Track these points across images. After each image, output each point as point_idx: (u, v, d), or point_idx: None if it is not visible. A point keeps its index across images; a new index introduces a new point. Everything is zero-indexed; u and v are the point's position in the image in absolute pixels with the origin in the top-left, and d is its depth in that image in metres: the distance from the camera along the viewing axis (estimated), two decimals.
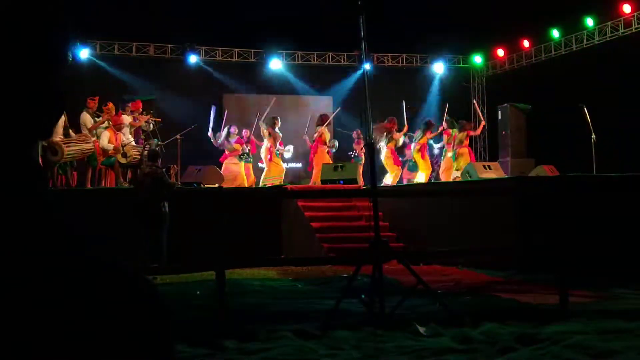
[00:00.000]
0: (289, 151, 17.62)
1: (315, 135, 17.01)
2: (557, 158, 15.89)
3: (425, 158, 16.72)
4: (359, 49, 7.25)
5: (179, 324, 6.22)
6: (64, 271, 1.01)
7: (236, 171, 16.30)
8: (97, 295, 1.01)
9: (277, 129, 16.89)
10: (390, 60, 22.15)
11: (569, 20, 19.19)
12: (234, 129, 16.71)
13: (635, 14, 17.51)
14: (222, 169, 16.17)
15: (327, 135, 17.33)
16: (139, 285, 1.06)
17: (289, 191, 13.67)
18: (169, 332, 1.10)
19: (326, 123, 17.25)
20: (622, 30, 17.95)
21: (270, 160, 16.62)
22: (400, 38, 20.91)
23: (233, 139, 16.54)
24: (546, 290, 8.05)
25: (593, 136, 14.07)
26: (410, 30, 20.44)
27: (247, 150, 16.83)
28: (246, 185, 16.16)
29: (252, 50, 21.11)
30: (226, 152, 16.56)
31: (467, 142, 16.83)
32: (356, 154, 17.92)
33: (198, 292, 8.83)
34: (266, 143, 16.76)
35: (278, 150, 16.94)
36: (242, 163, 16.51)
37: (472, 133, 17.12)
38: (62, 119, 13.45)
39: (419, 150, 16.61)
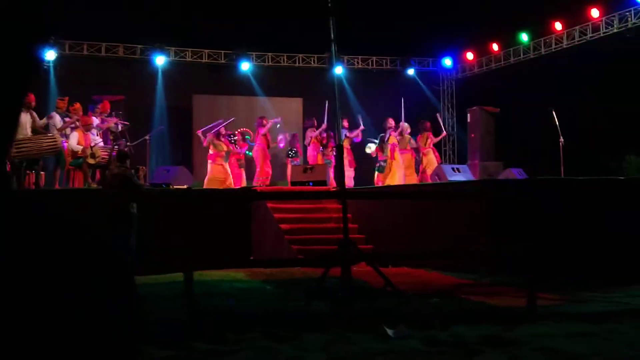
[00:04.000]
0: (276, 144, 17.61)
1: (313, 137, 17.09)
2: (526, 161, 16.03)
3: (396, 157, 16.82)
4: (329, 51, 7.24)
5: (147, 326, 6.15)
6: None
7: (224, 173, 16.22)
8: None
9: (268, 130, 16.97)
10: (360, 62, 22.19)
11: (537, 24, 19.38)
12: (223, 129, 16.67)
13: (604, 18, 17.72)
14: (210, 170, 16.17)
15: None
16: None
17: (258, 193, 13.64)
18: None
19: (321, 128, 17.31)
20: (591, 35, 18.16)
21: (264, 160, 16.61)
22: (370, 40, 20.96)
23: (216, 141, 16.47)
24: (515, 293, 8.10)
25: (561, 140, 14.21)
26: (380, 33, 20.50)
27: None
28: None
29: (222, 51, 21.03)
30: (213, 152, 16.44)
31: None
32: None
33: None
34: (257, 143, 16.74)
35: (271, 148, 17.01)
36: (227, 164, 16.46)
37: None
38: (29, 119, 13.27)
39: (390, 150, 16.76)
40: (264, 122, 16.94)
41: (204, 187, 15.81)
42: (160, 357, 5.24)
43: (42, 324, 0.97)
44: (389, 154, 16.73)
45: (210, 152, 16.45)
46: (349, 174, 16.69)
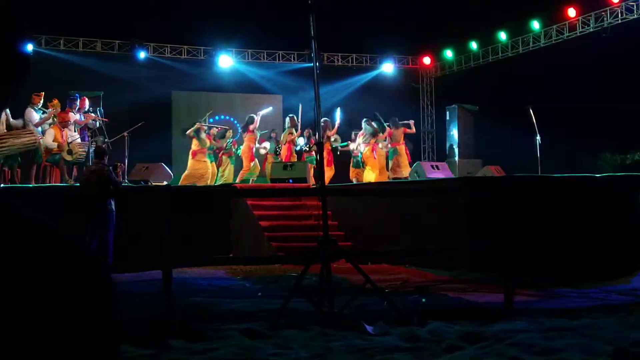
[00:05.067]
0: (265, 148, 17.49)
1: (287, 136, 17.04)
2: (503, 158, 16.15)
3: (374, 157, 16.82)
4: (309, 48, 7.26)
5: (125, 324, 6.14)
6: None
7: (203, 169, 16.12)
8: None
9: (256, 128, 16.87)
10: (340, 59, 22.21)
11: (516, 23, 19.52)
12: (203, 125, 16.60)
13: (580, 18, 17.89)
14: (189, 165, 16.08)
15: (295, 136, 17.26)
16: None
17: (238, 190, 13.62)
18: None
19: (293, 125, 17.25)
20: (567, 34, 18.32)
21: (251, 159, 16.54)
22: (350, 38, 20.99)
23: (202, 135, 16.34)
24: (492, 289, 8.18)
25: (538, 137, 14.33)
26: (360, 31, 20.54)
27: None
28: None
29: (202, 47, 20.94)
30: (196, 147, 16.34)
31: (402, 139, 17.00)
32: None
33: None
34: (246, 142, 16.68)
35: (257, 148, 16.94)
36: (210, 162, 16.36)
37: (408, 131, 17.27)
38: (4, 116, 13.15)
39: (371, 152, 16.72)
40: (255, 118, 16.88)
41: (181, 182, 15.73)
42: (139, 356, 5.23)
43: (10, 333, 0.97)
44: (369, 152, 16.69)
45: (193, 147, 16.36)
46: (328, 173, 16.65)
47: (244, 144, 16.64)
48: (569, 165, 14.75)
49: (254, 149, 16.76)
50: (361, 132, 16.96)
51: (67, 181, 13.98)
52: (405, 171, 16.56)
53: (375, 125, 16.74)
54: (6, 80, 1.08)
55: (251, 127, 16.61)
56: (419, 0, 19.29)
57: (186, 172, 16.17)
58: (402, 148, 16.86)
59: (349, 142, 17.50)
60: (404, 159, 16.75)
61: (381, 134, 16.79)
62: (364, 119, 16.97)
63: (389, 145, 16.82)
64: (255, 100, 21.29)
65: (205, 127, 16.71)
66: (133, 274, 10.40)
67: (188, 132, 16.41)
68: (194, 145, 16.27)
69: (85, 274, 0.99)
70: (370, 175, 16.50)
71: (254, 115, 16.94)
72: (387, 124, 17.05)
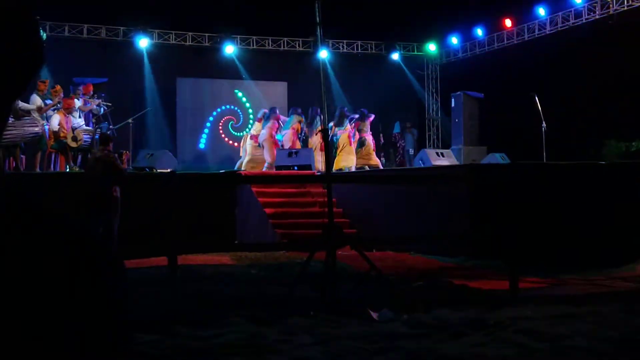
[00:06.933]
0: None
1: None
2: (509, 146, 16.12)
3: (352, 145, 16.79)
4: (314, 34, 7.23)
5: (130, 310, 6.14)
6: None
7: (261, 154, 16.20)
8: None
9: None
10: (345, 46, 22.15)
11: (521, 10, 19.45)
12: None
13: (587, 5, 17.80)
14: (250, 151, 16.21)
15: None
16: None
17: (242, 176, 13.62)
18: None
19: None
20: (573, 21, 18.24)
21: (277, 145, 16.56)
22: (355, 25, 20.93)
23: (268, 123, 16.34)
24: (497, 276, 8.17)
25: (543, 125, 14.29)
26: (365, 17, 20.48)
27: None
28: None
29: (207, 34, 20.90)
30: (255, 133, 16.39)
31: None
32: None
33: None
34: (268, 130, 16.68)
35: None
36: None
37: (371, 119, 17.31)
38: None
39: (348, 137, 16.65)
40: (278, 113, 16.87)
41: (244, 167, 15.84)
42: (144, 342, 5.24)
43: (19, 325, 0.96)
44: (345, 138, 16.61)
45: (254, 132, 16.42)
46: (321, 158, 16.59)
47: (266, 133, 16.48)
48: (574, 152, 14.71)
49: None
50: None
51: (72, 168, 14.00)
52: (374, 160, 16.63)
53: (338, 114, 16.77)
54: (23, 67, 1.06)
55: (277, 115, 16.61)
56: None
57: (248, 157, 16.23)
58: (370, 139, 16.94)
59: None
60: (371, 149, 16.87)
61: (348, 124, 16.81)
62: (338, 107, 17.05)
63: (357, 136, 16.86)
64: (260, 87, 21.27)
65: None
66: (138, 261, 10.41)
67: (259, 115, 16.55)
68: (255, 130, 16.35)
69: (97, 262, 0.99)
70: (346, 160, 16.33)
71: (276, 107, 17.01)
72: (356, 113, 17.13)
